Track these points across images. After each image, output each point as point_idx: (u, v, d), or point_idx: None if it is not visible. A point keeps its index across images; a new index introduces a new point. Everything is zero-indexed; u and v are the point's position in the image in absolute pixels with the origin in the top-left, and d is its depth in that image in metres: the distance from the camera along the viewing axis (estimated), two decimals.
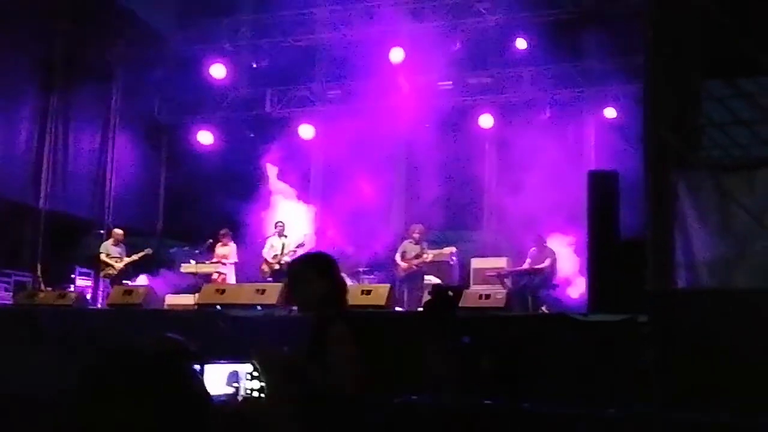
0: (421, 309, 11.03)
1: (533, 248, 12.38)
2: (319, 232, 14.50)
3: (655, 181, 9.20)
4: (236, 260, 13.62)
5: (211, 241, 13.52)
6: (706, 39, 9.57)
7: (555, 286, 12.01)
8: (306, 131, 16.18)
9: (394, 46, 14.83)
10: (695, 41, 9.58)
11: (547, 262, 12.05)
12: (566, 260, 12.55)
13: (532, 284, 11.90)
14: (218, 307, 10.91)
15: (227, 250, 13.58)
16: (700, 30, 9.56)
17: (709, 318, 8.43)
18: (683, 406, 8.02)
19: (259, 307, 10.73)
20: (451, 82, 15.49)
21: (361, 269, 13.52)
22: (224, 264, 13.43)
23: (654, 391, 8.24)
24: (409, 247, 12.64)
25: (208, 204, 15.26)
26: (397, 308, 11.70)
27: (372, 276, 13.33)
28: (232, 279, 13.35)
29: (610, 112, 14.10)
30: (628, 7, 12.30)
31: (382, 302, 11.28)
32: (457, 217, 15.16)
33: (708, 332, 8.33)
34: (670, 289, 8.90)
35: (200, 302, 11.42)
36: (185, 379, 2.62)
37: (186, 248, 13.96)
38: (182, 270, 13.28)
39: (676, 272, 9.31)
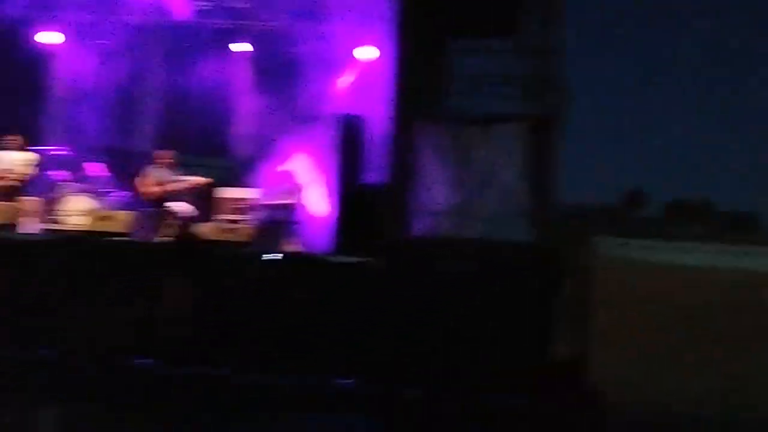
0: (164, 239, 10.91)
1: (282, 182, 12.45)
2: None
3: (399, 130, 9.57)
4: None
5: None
6: None
7: (300, 221, 12.20)
8: (51, 38, 15.11)
9: None
10: None
11: (294, 197, 12.19)
12: (315, 197, 12.81)
13: (279, 218, 12.00)
14: None
15: None
16: None
17: (439, 263, 9.01)
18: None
19: None
20: (210, 4, 15.02)
21: (103, 189, 13.06)
22: None
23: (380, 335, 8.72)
24: (157, 172, 12.31)
25: None
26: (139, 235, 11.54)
27: (113, 195, 12.95)
28: None
29: (368, 53, 14.21)
30: None
31: (122, 228, 11.07)
32: (208, 142, 14.85)
33: (436, 277, 8.92)
34: (404, 236, 9.37)
35: None
36: None
37: None
38: None
39: (415, 219, 9.81)
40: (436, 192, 9.80)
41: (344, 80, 13.99)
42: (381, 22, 12.94)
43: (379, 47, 13.40)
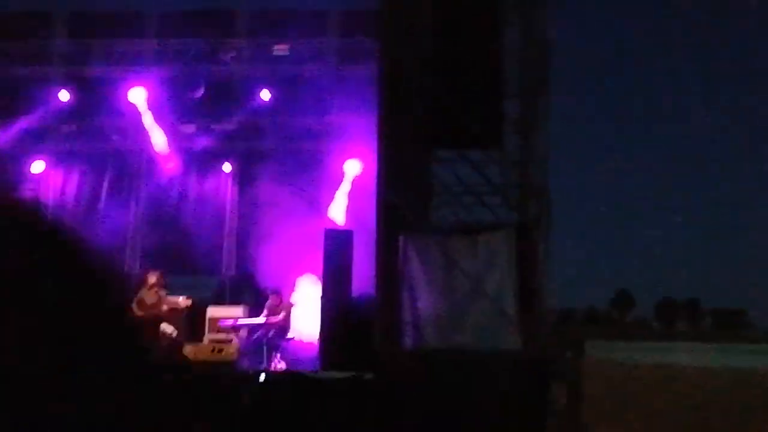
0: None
1: (270, 300, 12.36)
2: None
3: (385, 242, 9.53)
4: None
5: None
6: (436, 110, 10.11)
7: (289, 339, 12.04)
8: (37, 167, 15.26)
9: (135, 85, 14.39)
10: (427, 111, 10.10)
11: (281, 315, 12.06)
12: (307, 311, 12.70)
13: (267, 336, 11.85)
14: None
15: None
16: (431, 101, 10.10)
17: (430, 375, 8.85)
18: None
19: None
20: (194, 126, 15.25)
21: None
22: None
23: None
24: (147, 294, 12.14)
25: None
26: None
27: None
28: None
29: (354, 169, 14.24)
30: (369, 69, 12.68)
31: None
32: (197, 261, 14.84)
33: (428, 390, 8.74)
34: (393, 349, 9.23)
35: None
36: None
37: None
38: None
39: (404, 330, 9.68)
40: (424, 303, 9.72)
41: (332, 196, 14.08)
42: (367, 139, 13.17)
43: (364, 162, 13.56)
